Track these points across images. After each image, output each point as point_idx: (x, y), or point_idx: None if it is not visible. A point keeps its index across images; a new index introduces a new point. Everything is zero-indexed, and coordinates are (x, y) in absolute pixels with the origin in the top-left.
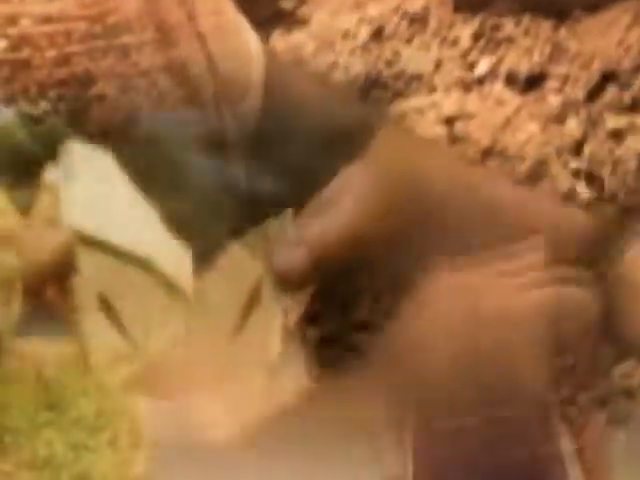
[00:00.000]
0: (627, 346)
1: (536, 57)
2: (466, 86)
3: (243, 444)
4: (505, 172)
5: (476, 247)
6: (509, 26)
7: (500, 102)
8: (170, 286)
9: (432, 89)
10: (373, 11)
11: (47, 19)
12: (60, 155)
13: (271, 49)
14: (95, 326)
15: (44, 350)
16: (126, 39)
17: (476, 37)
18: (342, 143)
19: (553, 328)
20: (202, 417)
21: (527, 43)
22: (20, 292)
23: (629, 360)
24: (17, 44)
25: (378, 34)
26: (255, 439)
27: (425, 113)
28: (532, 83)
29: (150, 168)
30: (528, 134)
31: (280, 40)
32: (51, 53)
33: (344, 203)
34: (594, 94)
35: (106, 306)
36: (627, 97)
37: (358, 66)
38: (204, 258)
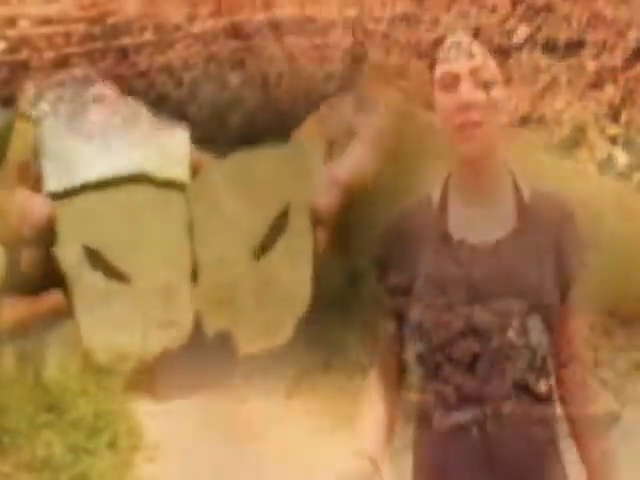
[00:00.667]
0: None
1: (574, 24)
2: (504, 53)
3: None
4: (543, 138)
5: None
6: None
7: (538, 69)
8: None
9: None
10: None
11: (46, 21)
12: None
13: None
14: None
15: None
16: (125, 40)
17: (514, 4)
18: None
19: None
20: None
21: (565, 10)
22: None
23: None
24: (16, 45)
25: (419, 2)
26: None
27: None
28: (570, 50)
29: None
30: (566, 101)
31: None
32: (50, 54)
33: (361, 149)
34: (631, 61)
35: (93, 255)
36: None
37: (398, 34)
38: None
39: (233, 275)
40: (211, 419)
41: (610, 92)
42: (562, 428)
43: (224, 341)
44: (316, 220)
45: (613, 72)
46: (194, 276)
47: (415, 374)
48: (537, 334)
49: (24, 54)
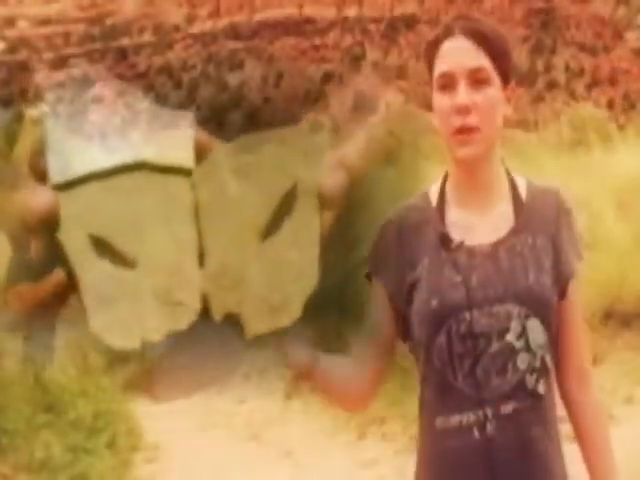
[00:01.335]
0: None
1: (573, 25)
2: None
3: None
4: (542, 138)
5: None
6: None
7: (537, 70)
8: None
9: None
10: None
11: (45, 21)
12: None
13: None
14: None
15: (43, 351)
16: (124, 41)
17: (513, 5)
18: None
19: None
20: None
21: (564, 12)
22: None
23: None
24: (15, 46)
25: (419, 2)
26: None
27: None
28: (569, 51)
29: None
30: (564, 102)
31: None
32: (49, 55)
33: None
34: (630, 61)
35: (99, 243)
36: None
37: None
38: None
39: (240, 257)
40: (210, 419)
41: (609, 93)
42: (562, 428)
43: (231, 324)
44: (323, 201)
45: (612, 73)
46: (201, 259)
47: (417, 376)
48: (536, 335)
49: (23, 54)
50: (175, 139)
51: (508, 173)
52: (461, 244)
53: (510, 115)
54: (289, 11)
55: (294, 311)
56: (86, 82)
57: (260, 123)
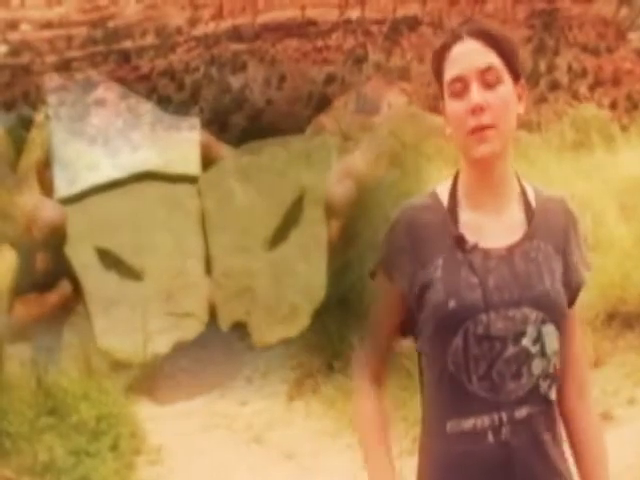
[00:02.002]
0: None
1: (575, 26)
2: None
3: None
4: (544, 139)
5: None
6: None
7: (539, 71)
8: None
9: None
10: None
11: (48, 24)
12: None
13: None
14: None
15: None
16: (126, 44)
17: (516, 6)
18: None
19: None
20: None
21: (566, 13)
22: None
23: None
24: (18, 49)
25: (421, 4)
26: None
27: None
28: (571, 51)
29: None
30: (567, 102)
31: None
32: (51, 58)
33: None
34: (632, 61)
35: (106, 255)
36: None
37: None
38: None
39: (247, 266)
40: (213, 422)
41: (612, 93)
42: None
43: (239, 333)
44: (331, 211)
45: (615, 73)
46: (208, 268)
47: (427, 379)
48: (551, 341)
49: (26, 57)
50: (180, 144)
51: (518, 179)
52: (475, 246)
53: (523, 114)
54: (291, 13)
55: (302, 321)
56: (88, 85)
57: (263, 125)
